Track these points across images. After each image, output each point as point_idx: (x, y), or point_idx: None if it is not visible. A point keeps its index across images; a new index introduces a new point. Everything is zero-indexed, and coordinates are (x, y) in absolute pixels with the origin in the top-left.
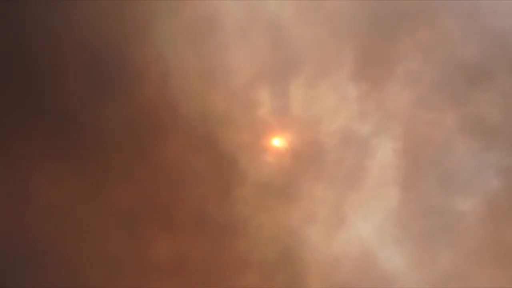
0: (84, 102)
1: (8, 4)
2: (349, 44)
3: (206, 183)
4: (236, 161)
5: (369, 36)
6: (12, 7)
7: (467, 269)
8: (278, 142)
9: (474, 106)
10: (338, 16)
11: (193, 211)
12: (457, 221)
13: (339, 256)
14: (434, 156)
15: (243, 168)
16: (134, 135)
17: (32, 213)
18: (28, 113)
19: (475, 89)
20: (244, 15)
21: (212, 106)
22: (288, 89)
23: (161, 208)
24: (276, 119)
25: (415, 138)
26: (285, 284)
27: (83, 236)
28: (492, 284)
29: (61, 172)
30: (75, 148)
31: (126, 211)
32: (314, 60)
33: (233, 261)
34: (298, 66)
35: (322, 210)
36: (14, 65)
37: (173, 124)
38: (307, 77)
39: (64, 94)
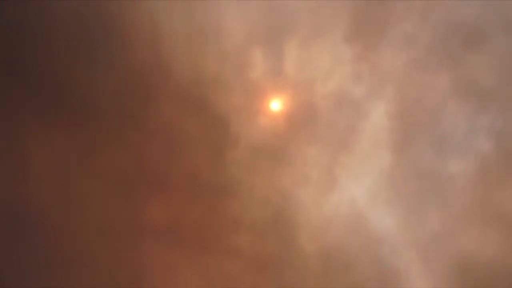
0: (76, 67)
1: None
2: (344, 5)
3: (198, 146)
4: (228, 124)
5: None
6: None
7: (455, 230)
8: (271, 104)
9: (468, 68)
10: None
11: (186, 174)
12: (447, 183)
13: (330, 218)
14: (426, 118)
15: (235, 131)
16: (125, 100)
17: (26, 178)
18: (20, 80)
19: (470, 51)
20: None
21: (204, 68)
22: (282, 51)
23: (154, 172)
24: (270, 81)
25: (408, 100)
26: (277, 245)
27: (77, 200)
28: (479, 244)
29: (54, 138)
30: (67, 114)
31: (120, 175)
32: (308, 21)
33: (226, 223)
34: (292, 27)
35: (314, 172)
36: (5, 33)
37: (165, 87)
38: (301, 39)
39: (56, 60)
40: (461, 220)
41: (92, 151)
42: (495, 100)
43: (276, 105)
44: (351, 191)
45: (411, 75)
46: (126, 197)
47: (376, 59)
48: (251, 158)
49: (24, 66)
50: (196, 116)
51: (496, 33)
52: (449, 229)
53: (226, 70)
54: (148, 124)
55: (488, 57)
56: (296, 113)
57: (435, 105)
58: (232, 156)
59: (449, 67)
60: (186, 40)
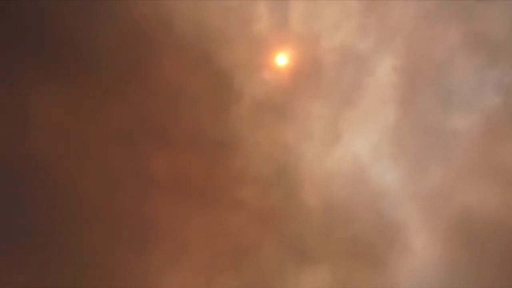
0: (78, 22)
1: None
2: None
3: (202, 102)
4: (232, 79)
5: None
6: None
7: (457, 184)
8: (275, 59)
9: (479, 21)
10: None
11: (189, 129)
12: (452, 138)
13: (333, 173)
14: (434, 73)
15: (239, 86)
16: (128, 54)
17: (31, 132)
18: (21, 35)
19: (481, 3)
20: None
21: (207, 22)
22: (287, 3)
23: (158, 127)
24: (274, 35)
25: (416, 55)
26: (280, 198)
27: (82, 154)
28: (480, 199)
29: (56, 93)
30: (69, 68)
31: (123, 129)
32: None
33: (229, 177)
34: None
35: (318, 127)
36: None
37: (167, 42)
38: None
39: (58, 15)
40: (463, 175)
41: (94, 106)
42: (505, 54)
43: (280, 59)
44: (355, 146)
45: (420, 28)
46: (131, 151)
47: (385, 11)
48: (255, 113)
49: (25, 21)
50: (199, 71)
51: None
52: (451, 183)
53: (230, 24)
54: (150, 79)
55: (500, 10)
56: (301, 68)
57: (444, 59)
58: (236, 111)
59: (459, 20)
60: None
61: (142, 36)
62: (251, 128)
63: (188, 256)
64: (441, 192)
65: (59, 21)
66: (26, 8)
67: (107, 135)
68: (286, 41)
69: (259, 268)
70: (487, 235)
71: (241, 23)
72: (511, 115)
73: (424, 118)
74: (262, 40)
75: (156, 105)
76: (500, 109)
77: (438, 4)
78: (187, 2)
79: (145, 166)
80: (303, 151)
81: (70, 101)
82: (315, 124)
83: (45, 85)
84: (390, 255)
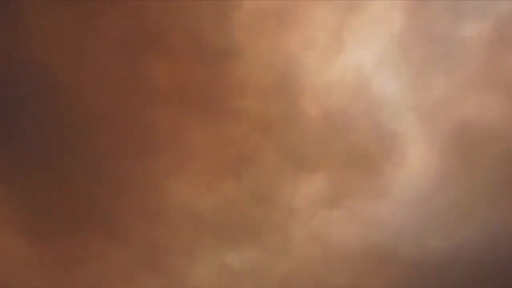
0: None
1: None
2: None
3: (201, 8)
4: None
5: None
6: None
7: (460, 95)
8: None
9: None
10: None
11: (189, 37)
12: (459, 47)
13: (335, 82)
14: None
15: None
16: None
17: (28, 42)
18: None
19: None
20: None
21: None
22: None
23: (156, 36)
24: None
25: None
26: (280, 108)
27: (81, 63)
28: (480, 110)
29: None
30: None
31: (122, 38)
32: None
33: (229, 87)
34: None
35: (321, 35)
36: None
37: None
38: None
39: None
40: (467, 85)
41: (88, 13)
42: None
43: None
44: (358, 55)
45: None
46: (131, 60)
47: None
48: (256, 20)
49: None
50: None
51: None
52: (454, 94)
53: None
54: None
55: None
56: None
57: None
58: (236, 18)
59: None
60: None
61: None
62: (252, 35)
63: (190, 164)
64: (443, 103)
65: None
66: None
67: (107, 44)
68: None
69: (258, 175)
70: (485, 146)
71: None
72: None
73: (433, 26)
74: None
75: (153, 13)
76: None
77: None
78: None
79: (145, 75)
80: (305, 60)
81: (68, 9)
82: (318, 31)
83: None
84: (386, 165)
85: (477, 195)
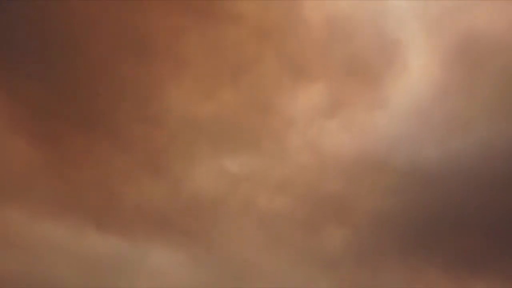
0: None
1: None
2: None
3: None
4: None
5: None
6: None
7: (466, 5)
8: None
9: None
10: None
11: None
12: None
13: None
14: None
15: None
16: None
17: None
18: None
19: None
20: None
21: None
22: None
23: None
24: None
25: None
26: (281, 14)
27: None
28: (492, 18)
29: None
30: None
31: None
32: None
33: None
34: None
35: None
36: None
37: None
38: None
39: None
40: None
41: None
42: None
43: None
44: None
45: None
46: None
47: None
48: None
49: None
50: None
51: None
52: (461, 4)
53: None
54: None
55: None
56: None
57: None
58: None
59: None
60: None
61: None
62: None
63: (188, 70)
64: (449, 13)
65: None
66: None
67: None
68: None
69: (257, 83)
70: (492, 59)
71: None
72: None
73: None
74: None
75: None
76: None
77: None
78: None
79: None
80: None
81: None
82: None
83: None
84: (387, 74)
85: (477, 108)
